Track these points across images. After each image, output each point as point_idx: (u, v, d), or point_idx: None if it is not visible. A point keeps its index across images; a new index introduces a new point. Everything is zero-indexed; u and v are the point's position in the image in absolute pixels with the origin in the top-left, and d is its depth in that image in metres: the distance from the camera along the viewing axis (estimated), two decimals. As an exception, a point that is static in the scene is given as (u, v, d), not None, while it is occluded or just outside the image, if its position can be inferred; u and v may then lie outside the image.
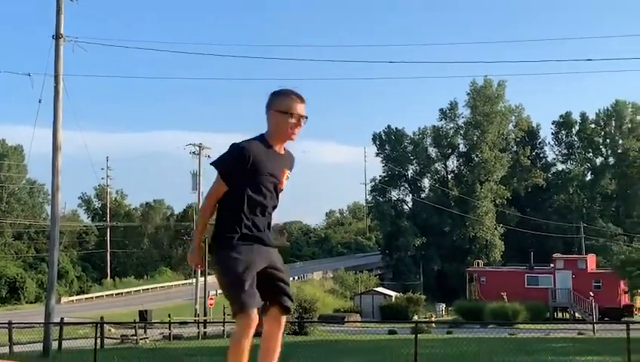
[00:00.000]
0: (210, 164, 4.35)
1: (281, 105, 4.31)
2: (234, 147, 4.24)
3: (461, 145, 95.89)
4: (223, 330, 34.85)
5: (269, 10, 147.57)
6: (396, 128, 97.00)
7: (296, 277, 77.55)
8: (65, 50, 26.57)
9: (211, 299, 50.75)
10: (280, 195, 4.42)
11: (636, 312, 59.16)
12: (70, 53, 26.99)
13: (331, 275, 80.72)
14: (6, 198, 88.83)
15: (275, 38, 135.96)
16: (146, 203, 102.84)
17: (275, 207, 4.39)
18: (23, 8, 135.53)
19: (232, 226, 4.25)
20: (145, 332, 34.53)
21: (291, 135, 4.33)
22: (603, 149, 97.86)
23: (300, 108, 4.33)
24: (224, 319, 37.75)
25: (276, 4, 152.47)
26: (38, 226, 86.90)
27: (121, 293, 74.08)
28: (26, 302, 69.59)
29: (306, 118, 4.37)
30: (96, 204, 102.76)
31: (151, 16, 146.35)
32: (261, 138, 4.33)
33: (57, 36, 26.33)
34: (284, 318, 4.38)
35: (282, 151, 4.40)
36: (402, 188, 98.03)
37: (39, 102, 26.33)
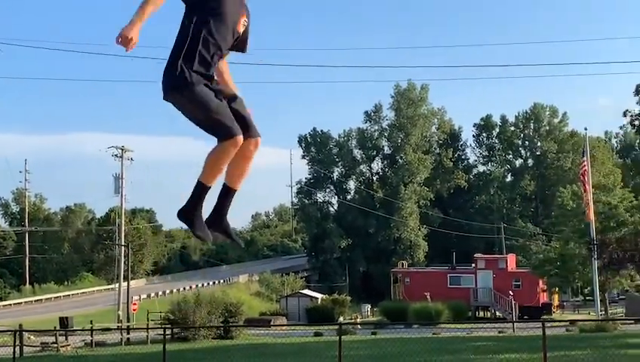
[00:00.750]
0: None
1: None
2: None
3: (386, 148, 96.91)
4: (147, 336, 34.29)
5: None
6: (322, 130, 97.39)
7: (221, 281, 77.14)
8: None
9: (134, 304, 50.00)
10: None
11: (555, 310, 60.67)
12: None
13: (257, 278, 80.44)
14: None
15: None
16: (67, 207, 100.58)
17: None
18: None
19: (187, 64, 3.91)
20: (66, 339, 33.67)
21: None
22: (522, 151, 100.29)
23: None
24: (148, 325, 37.21)
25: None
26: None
27: (41, 300, 72.07)
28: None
29: None
30: (14, 208, 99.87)
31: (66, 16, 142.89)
32: None
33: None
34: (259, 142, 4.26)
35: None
36: (328, 190, 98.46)
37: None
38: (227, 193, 4.28)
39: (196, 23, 3.92)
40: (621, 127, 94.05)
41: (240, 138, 3.97)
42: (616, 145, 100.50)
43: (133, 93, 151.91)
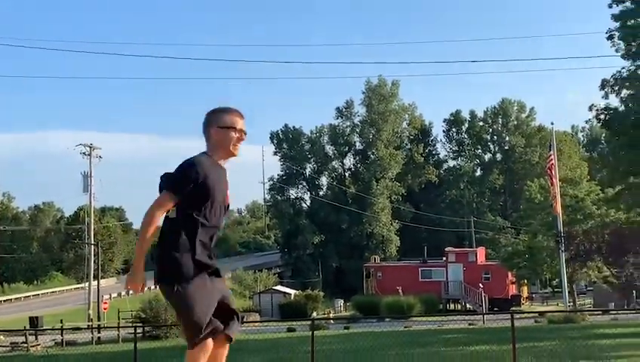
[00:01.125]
0: (161, 183, 4.15)
1: (224, 120, 4.23)
2: (187, 165, 4.09)
3: (357, 143, 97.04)
4: (118, 335, 34.17)
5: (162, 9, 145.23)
6: (294, 127, 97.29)
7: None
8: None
9: (105, 303, 49.70)
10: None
11: (524, 302, 61.30)
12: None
13: (230, 275, 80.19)
14: None
15: (165, 36, 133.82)
16: (35, 205, 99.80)
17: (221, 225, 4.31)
18: None
19: (186, 255, 4.06)
20: (36, 338, 33.49)
21: (235, 150, 4.26)
22: (491, 146, 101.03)
23: (241, 124, 4.27)
24: (119, 324, 37.07)
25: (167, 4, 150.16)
26: None
27: (10, 299, 71.39)
28: None
29: (246, 133, 4.30)
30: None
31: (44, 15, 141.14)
32: (204, 153, 4.23)
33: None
34: (227, 345, 4.39)
35: (224, 166, 4.33)
36: (300, 186, 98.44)
37: None
38: None
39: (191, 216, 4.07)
40: (587, 122, 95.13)
41: (209, 343, 4.12)
42: (582, 139, 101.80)
43: (101, 90, 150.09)
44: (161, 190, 4.13)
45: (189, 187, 4.01)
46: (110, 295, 59.21)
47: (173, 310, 4.25)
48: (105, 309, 48.31)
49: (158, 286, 4.14)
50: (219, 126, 4.23)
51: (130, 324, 33.40)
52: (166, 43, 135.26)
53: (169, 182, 4.09)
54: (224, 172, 4.28)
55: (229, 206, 4.36)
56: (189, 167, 4.06)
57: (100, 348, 30.96)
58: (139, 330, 27.15)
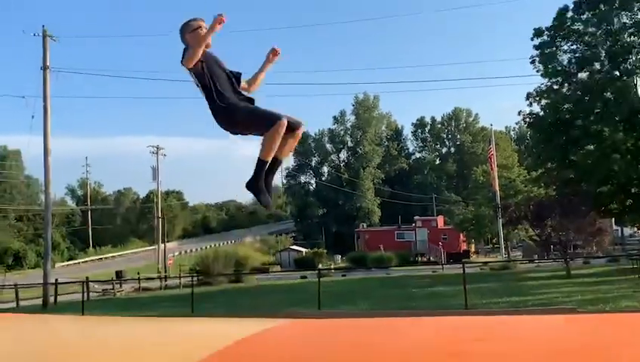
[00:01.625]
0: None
1: (190, 27, 3.98)
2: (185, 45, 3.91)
3: (349, 142, 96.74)
4: (180, 283, 34.34)
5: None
6: (303, 133, 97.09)
7: (233, 241, 76.96)
8: (51, 77, 25.48)
9: (170, 260, 49.88)
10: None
11: (472, 255, 61.31)
12: (55, 80, 25.90)
13: (259, 239, 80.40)
14: (9, 190, 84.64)
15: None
16: (118, 190, 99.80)
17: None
18: (19, 47, 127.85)
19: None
20: (120, 286, 33.70)
21: (207, 39, 3.91)
22: (447, 142, 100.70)
23: (201, 21, 3.98)
24: (180, 274, 37.19)
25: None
26: (34, 211, 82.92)
27: (101, 259, 71.75)
28: (28, 268, 66.48)
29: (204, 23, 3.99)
30: (79, 192, 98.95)
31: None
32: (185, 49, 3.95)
33: (44, 67, 25.20)
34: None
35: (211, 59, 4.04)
36: (308, 174, 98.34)
37: (32, 117, 25.22)
38: (275, 163, 4.10)
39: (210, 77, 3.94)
40: (517, 123, 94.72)
41: (285, 120, 3.90)
42: (513, 136, 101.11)
43: (164, 106, 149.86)
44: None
45: (190, 56, 3.83)
46: (173, 254, 59.42)
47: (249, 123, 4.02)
48: (170, 264, 48.48)
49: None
50: (189, 32, 3.97)
51: (189, 275, 33.53)
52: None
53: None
54: (210, 61, 4.00)
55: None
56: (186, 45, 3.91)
57: (166, 292, 31.13)
58: (195, 279, 27.29)
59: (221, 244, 70.21)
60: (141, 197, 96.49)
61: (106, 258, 71.11)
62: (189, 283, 31.86)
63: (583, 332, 4.24)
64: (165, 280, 37.05)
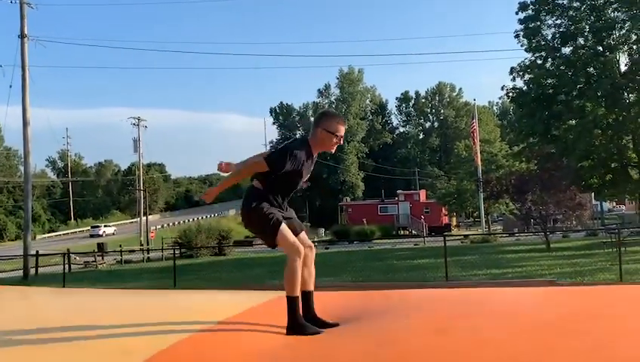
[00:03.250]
0: (266, 159, 3.85)
1: (330, 126, 3.95)
2: (287, 153, 3.82)
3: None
4: (162, 255, 34.30)
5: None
6: (287, 104, 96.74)
7: (215, 214, 76.87)
8: (29, 46, 24.89)
9: (152, 232, 49.75)
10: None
11: (453, 228, 62.02)
12: (33, 48, 25.34)
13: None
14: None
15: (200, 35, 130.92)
16: (99, 162, 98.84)
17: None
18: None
19: (267, 198, 3.87)
20: (102, 258, 33.58)
21: (331, 150, 4.06)
22: (430, 117, 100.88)
23: (343, 131, 3.99)
24: (162, 247, 37.13)
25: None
26: (14, 182, 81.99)
27: (82, 230, 71.33)
28: (9, 240, 65.95)
29: (343, 137, 4.03)
30: (60, 164, 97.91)
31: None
32: (306, 143, 3.97)
33: (22, 36, 24.62)
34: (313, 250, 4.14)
35: (315, 157, 4.07)
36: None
37: (10, 87, 24.70)
38: (307, 296, 3.97)
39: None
40: (500, 98, 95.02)
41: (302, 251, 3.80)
42: (496, 111, 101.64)
43: (146, 77, 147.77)
44: (269, 156, 3.89)
45: (283, 166, 3.78)
46: (156, 227, 59.26)
47: (257, 230, 3.93)
48: (152, 237, 48.39)
49: (243, 217, 3.98)
50: (325, 129, 3.93)
51: (171, 247, 33.49)
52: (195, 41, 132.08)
53: (271, 158, 3.86)
54: (312, 160, 4.01)
55: (304, 181, 4.06)
56: (288, 156, 3.79)
57: (149, 264, 31.11)
58: (177, 251, 27.28)
59: (204, 217, 70.10)
60: (122, 169, 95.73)
61: (87, 230, 70.60)
62: (172, 255, 31.87)
63: (559, 305, 4.34)
64: (148, 253, 36.97)
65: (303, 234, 4.04)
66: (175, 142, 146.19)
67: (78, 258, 32.68)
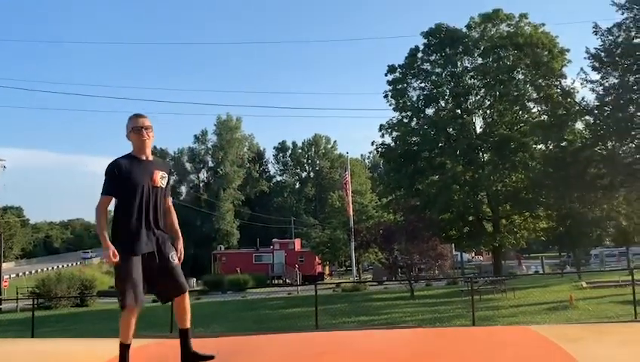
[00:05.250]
0: (102, 193, 3.98)
1: (128, 126, 4.11)
2: (107, 167, 3.96)
3: (210, 162, 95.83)
4: (17, 306, 31.51)
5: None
6: (161, 148, 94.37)
7: (77, 263, 72.30)
8: None
9: (5, 281, 45.58)
10: (161, 190, 4.13)
11: (326, 277, 62.94)
12: None
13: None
14: None
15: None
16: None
17: (157, 201, 4.09)
18: None
19: (118, 233, 3.95)
20: (-56, 311, 30.17)
21: (144, 142, 4.09)
22: (307, 167, 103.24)
23: (142, 122, 4.11)
24: (17, 297, 34.19)
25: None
26: None
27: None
28: None
29: (151, 127, 4.14)
30: None
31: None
32: (128, 155, 4.08)
33: None
34: (183, 295, 4.23)
35: (150, 157, 4.15)
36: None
37: None
38: (184, 333, 4.23)
39: None
40: (370, 152, 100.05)
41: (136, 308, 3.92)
42: (368, 163, 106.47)
43: (7, 115, 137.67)
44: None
45: (111, 181, 3.92)
46: (10, 275, 54.39)
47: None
48: (5, 286, 44.29)
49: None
50: (130, 130, 4.11)
51: (27, 297, 30.92)
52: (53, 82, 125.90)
53: (103, 189, 3.98)
54: (146, 162, 4.08)
55: (159, 186, 4.10)
56: (107, 167, 3.96)
57: (2, 316, 28.47)
58: (35, 301, 25.22)
59: (66, 266, 65.63)
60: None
61: None
62: (28, 306, 29.41)
63: (409, 343, 4.84)
64: (0, 304, 33.80)
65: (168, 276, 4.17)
66: (36, 184, 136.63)
67: None
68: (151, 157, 4.16)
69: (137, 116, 4.16)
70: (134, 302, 3.89)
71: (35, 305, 19.67)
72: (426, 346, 4.65)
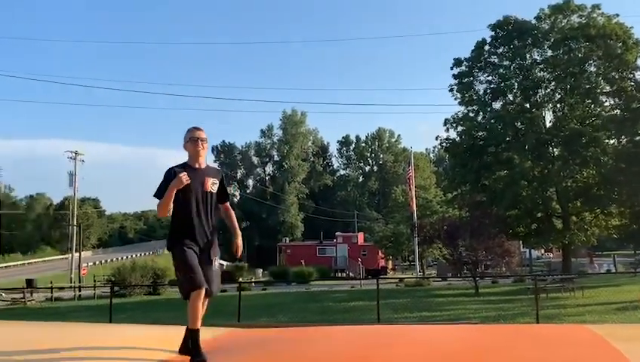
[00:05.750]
0: (154, 195, 4.32)
1: (186, 137, 4.50)
2: (165, 173, 4.34)
3: (275, 156, 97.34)
4: (94, 293, 33.38)
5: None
6: (229, 142, 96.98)
7: (150, 252, 75.31)
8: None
9: (84, 269, 48.26)
10: (212, 195, 4.49)
11: (389, 271, 62.79)
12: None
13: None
14: None
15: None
16: (30, 195, 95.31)
17: (207, 205, 4.46)
18: None
19: (175, 231, 4.35)
20: (31, 295, 32.33)
21: (199, 153, 4.46)
22: (370, 161, 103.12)
23: (198, 134, 4.48)
24: (94, 284, 36.19)
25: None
26: None
27: (9, 266, 68.09)
28: None
29: (206, 139, 4.52)
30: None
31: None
32: (184, 164, 4.47)
33: (-40, 65, 24.10)
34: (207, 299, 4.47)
35: (203, 166, 4.51)
36: (233, 186, 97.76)
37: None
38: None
39: None
40: (435, 147, 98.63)
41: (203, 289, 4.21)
42: (432, 158, 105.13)
43: (87, 111, 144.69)
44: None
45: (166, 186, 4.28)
46: (87, 264, 57.44)
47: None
48: (84, 274, 46.91)
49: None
50: (186, 142, 4.51)
51: (104, 284, 32.67)
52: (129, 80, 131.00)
53: (156, 192, 4.35)
54: (199, 170, 4.45)
55: (209, 191, 4.47)
56: (165, 173, 4.36)
57: (80, 302, 30.26)
58: (114, 289, 26.62)
59: (138, 255, 68.50)
60: (55, 203, 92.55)
61: (14, 266, 67.45)
62: (104, 294, 31.09)
63: (465, 339, 5.01)
64: (79, 291, 35.85)
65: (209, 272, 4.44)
66: (112, 177, 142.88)
67: (4, 294, 31.35)
68: (204, 166, 4.55)
69: (195, 129, 4.54)
70: (198, 285, 4.19)
71: (109, 293, 20.83)
72: (478, 341, 4.82)
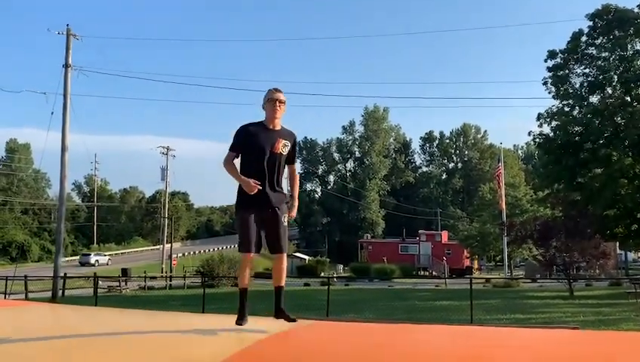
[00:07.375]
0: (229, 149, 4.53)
1: (265, 97, 4.55)
2: (238, 128, 4.49)
3: (356, 152, 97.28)
4: (184, 283, 34.72)
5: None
6: (311, 139, 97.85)
7: (236, 245, 77.14)
8: (72, 75, 26.04)
9: (174, 260, 50.33)
10: (281, 156, 4.52)
11: (475, 271, 61.43)
12: (75, 77, 26.43)
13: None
14: (16, 183, 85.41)
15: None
16: (124, 188, 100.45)
17: (275, 165, 4.49)
18: (42, 43, 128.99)
19: (241, 192, 4.50)
20: (126, 284, 34.12)
21: (275, 114, 4.48)
22: (454, 157, 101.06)
23: (277, 95, 4.50)
24: (184, 275, 37.62)
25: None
26: (40, 205, 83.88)
27: (105, 255, 72.17)
28: (32, 261, 67.01)
29: (284, 101, 4.53)
30: (86, 188, 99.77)
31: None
32: (259, 122, 4.53)
33: (66, 65, 25.78)
34: (280, 256, 4.76)
35: (278, 127, 4.53)
36: (314, 181, 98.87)
37: (52, 113, 25.72)
38: (277, 291, 4.84)
39: None
40: (526, 143, 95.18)
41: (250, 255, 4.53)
42: (521, 155, 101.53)
43: (178, 108, 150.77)
44: None
45: (237, 142, 4.44)
46: (177, 255, 59.88)
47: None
48: (174, 264, 48.93)
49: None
50: (264, 102, 4.55)
51: (194, 275, 33.87)
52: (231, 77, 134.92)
53: (230, 144, 4.52)
54: (272, 131, 4.48)
55: (278, 153, 4.50)
56: (239, 129, 4.48)
57: (171, 291, 31.53)
58: (199, 280, 27.62)
59: (224, 248, 70.54)
60: (147, 196, 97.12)
61: (110, 255, 71.41)
62: (193, 284, 32.25)
63: (570, 344, 4.70)
64: (170, 280, 37.41)
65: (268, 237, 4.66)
66: (200, 172, 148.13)
67: (101, 282, 33.21)
68: (278, 127, 4.54)
69: (275, 90, 4.58)
70: (249, 249, 4.46)
71: (198, 283, 21.55)
72: (582, 347, 4.51)
